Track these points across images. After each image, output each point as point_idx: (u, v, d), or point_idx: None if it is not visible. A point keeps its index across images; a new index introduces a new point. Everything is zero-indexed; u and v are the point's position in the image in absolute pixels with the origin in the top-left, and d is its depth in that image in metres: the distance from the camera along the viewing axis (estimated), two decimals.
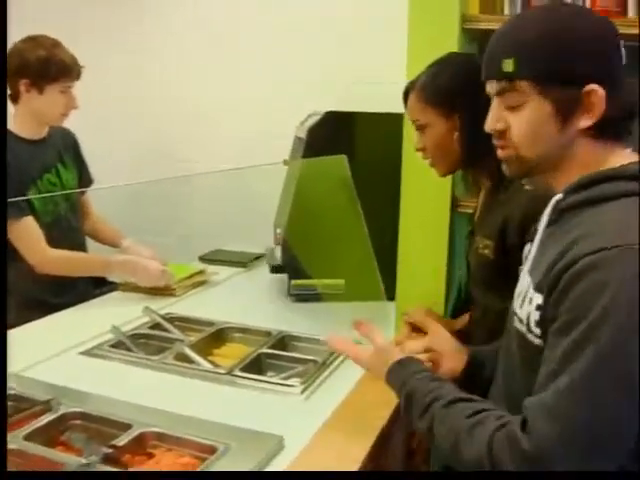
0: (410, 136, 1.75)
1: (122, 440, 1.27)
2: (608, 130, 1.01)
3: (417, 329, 1.85)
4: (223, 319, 1.97)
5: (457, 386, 1.15)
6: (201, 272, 2.39)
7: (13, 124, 2.16)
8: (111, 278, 2.35)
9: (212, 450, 1.25)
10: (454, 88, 1.55)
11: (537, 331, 0.99)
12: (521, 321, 1.04)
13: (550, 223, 1.05)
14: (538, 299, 0.99)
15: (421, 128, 1.61)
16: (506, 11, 1.80)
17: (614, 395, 0.87)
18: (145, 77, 2.97)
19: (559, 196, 1.04)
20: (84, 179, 2.37)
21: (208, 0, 2.94)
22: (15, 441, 1.25)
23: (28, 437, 1.28)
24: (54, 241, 2.16)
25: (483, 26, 1.76)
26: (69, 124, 2.27)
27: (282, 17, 2.81)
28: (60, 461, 1.20)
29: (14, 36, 2.08)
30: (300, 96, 2.60)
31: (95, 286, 2.39)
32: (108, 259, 2.25)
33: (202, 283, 2.37)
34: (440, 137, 1.57)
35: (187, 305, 2.17)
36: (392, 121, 1.91)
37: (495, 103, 1.08)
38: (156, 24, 3.01)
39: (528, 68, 1.01)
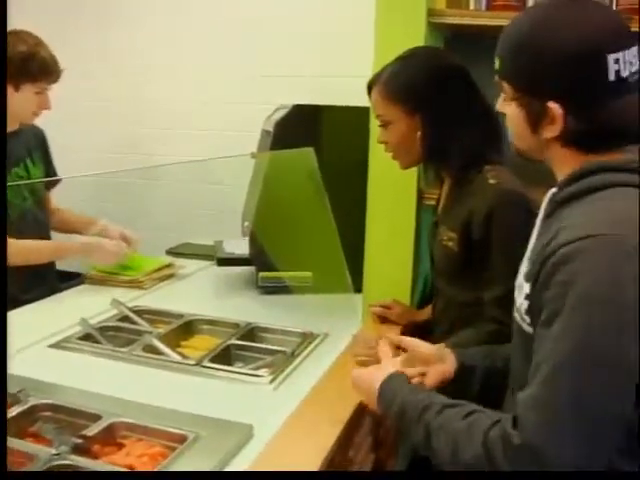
0: (376, 130, 1.77)
1: (92, 430, 1.28)
2: (579, 141, 1.02)
3: (383, 319, 1.89)
4: (191, 312, 1.98)
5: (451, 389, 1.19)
6: (169, 265, 2.40)
7: None
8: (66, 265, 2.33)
9: (182, 439, 1.26)
10: (417, 86, 1.56)
11: (527, 319, 1.03)
12: (517, 310, 1.07)
13: (547, 215, 1.08)
14: (526, 288, 1.02)
15: (384, 124, 1.63)
16: (471, 6, 1.84)
17: (596, 379, 0.89)
18: (114, 75, 2.95)
19: (554, 189, 1.07)
20: (51, 176, 2.35)
21: None
22: None
23: None
24: (19, 235, 2.13)
25: (449, 21, 1.81)
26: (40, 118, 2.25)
27: (250, 12, 2.81)
28: (31, 452, 1.21)
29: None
30: (268, 90, 2.61)
31: (62, 280, 2.37)
32: (61, 243, 2.26)
33: (170, 276, 2.38)
34: (402, 134, 1.59)
35: (155, 298, 2.17)
36: (359, 114, 1.94)
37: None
38: (126, 23, 2.99)
39: (506, 72, 1.06)
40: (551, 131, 1.02)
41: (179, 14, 2.93)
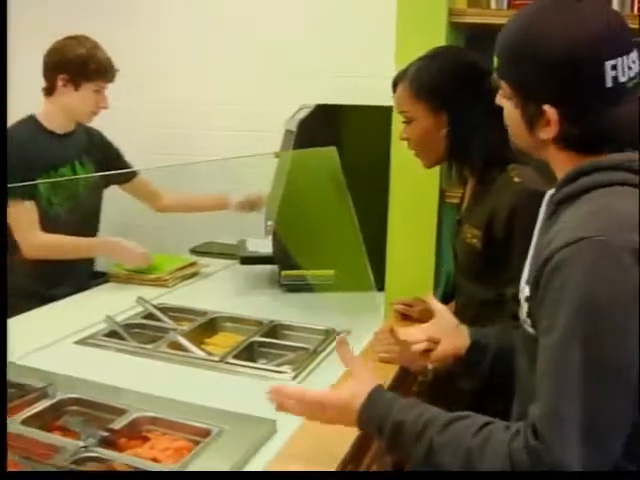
0: (398, 128, 1.78)
1: (118, 424, 1.30)
2: (574, 144, 1.02)
3: (405, 317, 1.89)
4: (215, 309, 2.00)
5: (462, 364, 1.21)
6: (193, 264, 2.42)
7: (41, 115, 2.25)
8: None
9: (206, 433, 1.28)
10: (443, 84, 1.57)
11: (529, 321, 1.03)
12: (521, 309, 1.07)
13: (546, 217, 1.08)
14: (526, 291, 1.03)
15: (408, 120, 1.64)
16: (493, 5, 1.84)
17: (603, 386, 0.89)
18: (140, 74, 2.97)
19: (552, 190, 1.07)
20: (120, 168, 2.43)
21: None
22: (12, 426, 1.28)
23: (25, 422, 1.31)
24: (58, 231, 2.21)
25: (470, 20, 1.81)
26: None
27: (272, 11, 2.83)
28: (58, 444, 1.23)
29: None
30: (291, 90, 2.63)
31: (91, 278, 2.41)
32: (91, 240, 2.32)
33: (194, 275, 2.40)
34: (426, 132, 1.60)
35: (179, 296, 2.20)
36: (381, 114, 1.94)
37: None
38: (149, 24, 3.03)
39: (503, 72, 1.06)
40: (547, 133, 1.02)
41: (198, 14, 2.95)
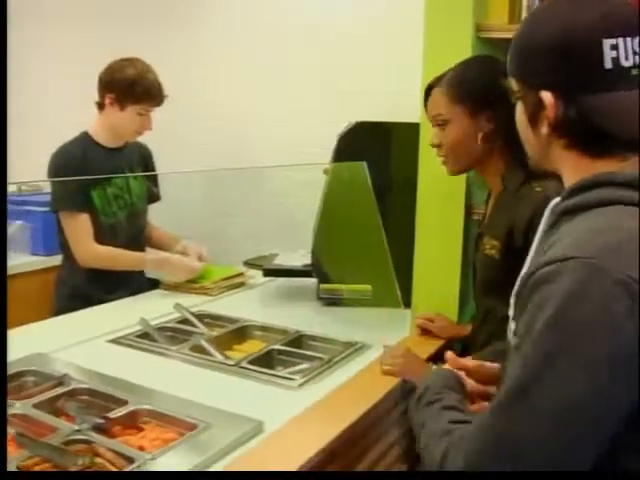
0: (426, 145, 1.79)
1: (115, 413, 1.39)
2: (575, 138, 0.97)
3: (426, 332, 1.89)
4: (250, 318, 2.07)
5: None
6: (240, 274, 2.51)
7: (92, 130, 2.40)
8: (150, 273, 2.51)
9: (192, 427, 1.34)
10: (483, 86, 1.58)
11: (514, 340, 0.97)
12: (509, 330, 1.02)
13: (547, 227, 1.03)
14: (512, 309, 0.99)
15: (443, 124, 1.63)
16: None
17: (542, 418, 0.83)
18: (191, 90, 3.08)
19: (556, 200, 1.03)
20: (151, 192, 2.56)
21: (252, 11, 3.05)
22: (23, 408, 1.40)
23: (36, 405, 1.42)
24: (110, 241, 2.35)
25: (497, 35, 1.80)
26: None
27: (322, 31, 2.87)
28: (55, 425, 1.33)
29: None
30: (340, 108, 2.67)
31: (144, 285, 2.55)
32: (142, 255, 2.45)
33: (240, 285, 2.49)
34: (462, 135, 1.60)
35: (220, 304, 2.28)
36: (415, 131, 1.95)
37: None
38: (200, 41, 3.14)
39: (510, 67, 1.05)
40: (545, 125, 0.98)
41: (247, 31, 3.00)
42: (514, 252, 1.48)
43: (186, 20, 3.14)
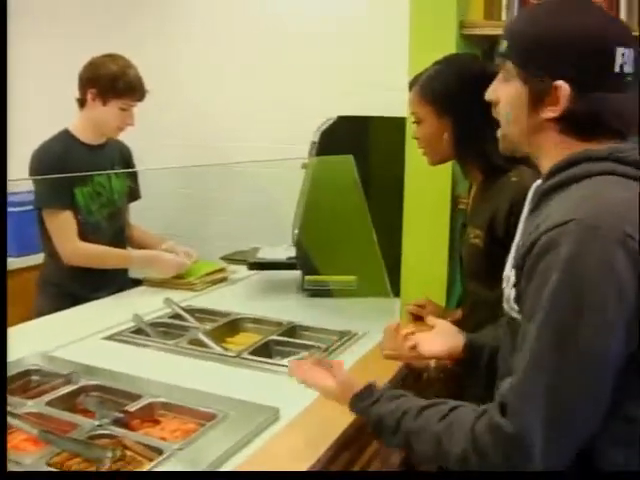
0: (412, 135, 1.85)
1: (133, 407, 1.40)
2: (574, 126, 1.06)
3: (418, 318, 1.95)
4: (239, 311, 2.10)
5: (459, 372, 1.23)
6: (221, 270, 2.53)
7: (73, 127, 2.37)
8: (133, 272, 2.50)
9: (212, 417, 1.37)
10: (449, 91, 1.65)
11: (516, 307, 1.07)
12: (507, 300, 1.11)
13: (533, 208, 1.12)
14: (513, 277, 1.07)
15: (418, 121, 1.72)
16: (503, 17, 1.90)
17: (574, 368, 0.93)
18: (173, 87, 3.10)
19: (538, 182, 1.12)
20: (133, 190, 2.55)
21: (230, 9, 3.07)
22: (37, 406, 1.40)
23: (49, 403, 1.43)
24: (93, 239, 2.33)
25: (481, 32, 1.87)
26: None
27: (304, 28, 2.93)
28: (75, 422, 1.34)
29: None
30: (319, 102, 2.72)
31: (129, 283, 2.53)
32: (129, 252, 2.44)
33: (222, 280, 2.51)
34: (432, 134, 1.68)
35: (206, 299, 2.30)
36: (396, 125, 2.01)
37: (497, 77, 1.16)
38: (183, 37, 3.15)
39: (513, 53, 1.10)
40: (552, 111, 1.05)
41: (230, 29, 3.05)
42: (497, 241, 1.56)
43: (162, 16, 3.14)
